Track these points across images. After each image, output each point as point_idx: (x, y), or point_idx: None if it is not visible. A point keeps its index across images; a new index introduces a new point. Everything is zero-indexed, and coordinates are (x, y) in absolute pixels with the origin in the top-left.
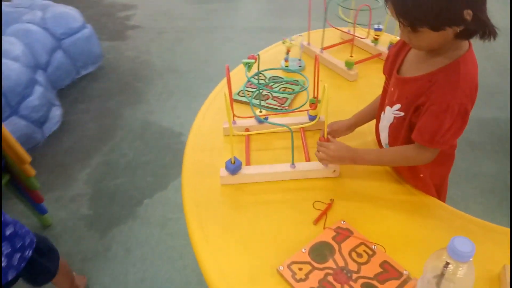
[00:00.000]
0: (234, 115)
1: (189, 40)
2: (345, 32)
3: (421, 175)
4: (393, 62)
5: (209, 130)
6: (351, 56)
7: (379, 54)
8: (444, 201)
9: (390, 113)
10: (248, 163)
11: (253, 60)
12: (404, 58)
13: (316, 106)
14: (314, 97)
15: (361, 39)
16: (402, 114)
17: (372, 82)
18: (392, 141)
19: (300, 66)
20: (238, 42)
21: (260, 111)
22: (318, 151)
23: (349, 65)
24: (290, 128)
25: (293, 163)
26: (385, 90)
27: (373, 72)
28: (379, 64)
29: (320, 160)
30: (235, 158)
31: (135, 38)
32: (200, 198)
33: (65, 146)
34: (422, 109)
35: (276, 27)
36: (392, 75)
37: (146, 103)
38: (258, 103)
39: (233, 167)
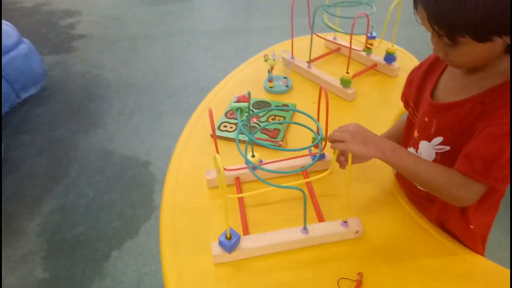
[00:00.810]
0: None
1: (145, 49)
2: (332, 42)
3: (471, 226)
4: (420, 87)
5: (190, 181)
6: (347, 73)
7: (374, 65)
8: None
9: (429, 149)
10: (245, 228)
11: (246, 104)
12: (438, 81)
13: (325, 146)
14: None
15: (352, 49)
16: (448, 148)
17: (372, 100)
18: None
19: (287, 86)
20: (200, 48)
21: (253, 156)
22: (333, 138)
23: (345, 83)
24: (303, 191)
25: (305, 228)
26: (410, 122)
27: (370, 87)
28: (376, 77)
29: (337, 145)
30: (231, 230)
31: (83, 50)
32: (187, 283)
33: (8, 190)
34: (474, 135)
35: (240, 28)
36: (422, 101)
37: (103, 127)
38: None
39: (230, 244)
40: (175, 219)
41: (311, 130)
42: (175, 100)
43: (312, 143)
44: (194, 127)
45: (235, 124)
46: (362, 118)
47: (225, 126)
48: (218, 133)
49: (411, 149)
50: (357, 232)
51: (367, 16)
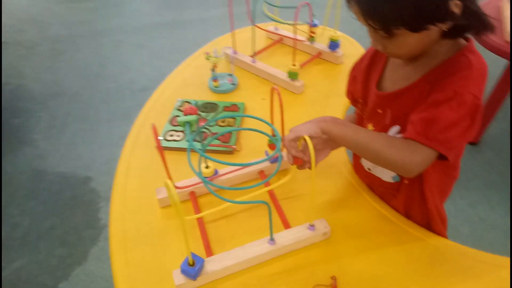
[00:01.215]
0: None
1: (71, 52)
2: (274, 33)
3: (429, 206)
4: (366, 81)
5: (139, 202)
6: (294, 65)
7: (319, 54)
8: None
9: None
10: (208, 249)
11: (195, 116)
12: (383, 73)
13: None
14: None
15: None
16: None
17: (321, 90)
18: None
19: (233, 84)
20: (133, 45)
21: (207, 167)
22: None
23: (293, 76)
24: (267, 204)
25: (272, 239)
26: (360, 118)
27: (317, 77)
28: (321, 66)
29: (288, 137)
30: (193, 254)
31: None
32: None
33: None
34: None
35: (173, 21)
36: (370, 95)
37: (31, 145)
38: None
39: (195, 271)
40: (127, 249)
41: (266, 134)
42: (111, 106)
43: (269, 145)
44: (137, 138)
45: (182, 132)
46: (313, 110)
47: (172, 135)
48: (164, 143)
49: None
50: (324, 233)
51: (308, 4)
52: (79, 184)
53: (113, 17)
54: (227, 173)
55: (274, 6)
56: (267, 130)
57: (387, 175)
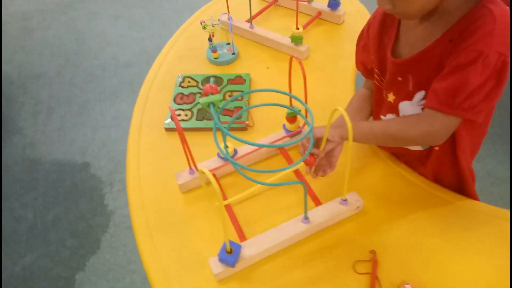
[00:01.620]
0: (193, 163)
1: (42, 29)
2: None
3: (466, 167)
4: (380, 49)
5: (157, 189)
6: (297, 29)
7: (319, 14)
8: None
9: (413, 108)
10: (240, 234)
11: (218, 96)
12: (397, 38)
13: (305, 119)
14: (293, 108)
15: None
16: None
17: (326, 54)
18: None
19: (233, 54)
20: (108, 17)
21: (226, 147)
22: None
23: (297, 40)
24: (304, 184)
25: (306, 217)
26: (378, 88)
27: (320, 39)
28: (322, 27)
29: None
30: (230, 242)
31: None
32: None
33: None
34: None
35: None
36: (388, 63)
37: (19, 133)
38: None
39: (234, 259)
40: (153, 238)
41: (291, 108)
42: (97, 85)
43: (287, 118)
44: (141, 121)
45: (190, 110)
46: (321, 76)
47: (179, 115)
48: (172, 125)
49: (390, 116)
50: (357, 207)
51: None
52: (77, 171)
53: None
54: (249, 153)
55: None
56: (283, 102)
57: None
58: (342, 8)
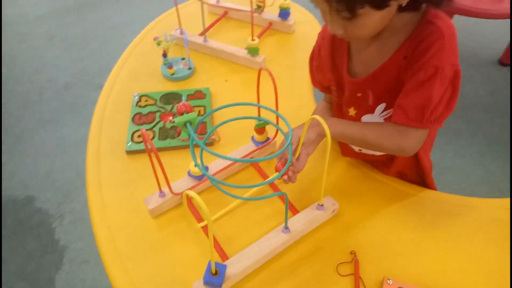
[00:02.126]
0: (168, 185)
1: None
2: (218, 6)
3: (425, 165)
4: (335, 69)
5: (126, 217)
6: (253, 40)
7: (270, 25)
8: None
9: (375, 120)
10: (221, 252)
11: (193, 114)
12: (349, 57)
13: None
14: (265, 119)
15: (239, 10)
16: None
17: (282, 63)
18: None
19: (190, 68)
20: (41, 37)
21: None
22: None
23: (253, 51)
24: (285, 194)
25: (286, 227)
26: (337, 104)
27: (274, 49)
28: (274, 37)
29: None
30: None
31: None
32: None
33: None
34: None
35: (82, 5)
36: (344, 82)
37: None
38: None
39: (221, 280)
40: (127, 270)
41: (268, 122)
42: (34, 111)
43: (256, 130)
44: (98, 146)
45: (151, 130)
46: (280, 86)
47: (140, 136)
48: (134, 147)
49: None
50: (333, 211)
51: None
52: (20, 207)
53: (7, 6)
54: (222, 169)
55: None
56: (249, 114)
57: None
58: (292, 18)
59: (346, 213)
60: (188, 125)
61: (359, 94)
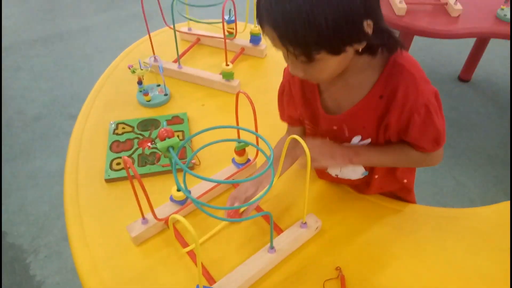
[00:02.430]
0: (152, 211)
1: None
2: (190, 33)
3: (405, 181)
4: (307, 105)
5: (108, 247)
6: (227, 65)
7: (242, 50)
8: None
9: None
10: (208, 276)
11: (175, 138)
12: (320, 94)
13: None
14: (245, 141)
15: (212, 37)
16: (369, 140)
17: (257, 86)
18: (372, 166)
19: (166, 95)
20: (8, 69)
21: (179, 190)
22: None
23: (228, 76)
24: (270, 214)
25: (272, 247)
26: (312, 134)
27: (247, 73)
28: (247, 62)
29: (302, 166)
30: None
31: None
32: None
33: None
34: (398, 125)
35: (49, 35)
36: (319, 116)
37: None
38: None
39: None
40: None
41: (244, 141)
42: (3, 144)
43: (236, 152)
44: (76, 176)
45: (130, 157)
46: (258, 108)
47: (119, 164)
48: (112, 174)
49: None
50: (317, 228)
51: (233, 2)
52: None
53: None
54: (205, 192)
55: (190, 5)
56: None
57: (356, 175)
58: (263, 43)
59: (329, 229)
60: (171, 149)
61: (334, 127)
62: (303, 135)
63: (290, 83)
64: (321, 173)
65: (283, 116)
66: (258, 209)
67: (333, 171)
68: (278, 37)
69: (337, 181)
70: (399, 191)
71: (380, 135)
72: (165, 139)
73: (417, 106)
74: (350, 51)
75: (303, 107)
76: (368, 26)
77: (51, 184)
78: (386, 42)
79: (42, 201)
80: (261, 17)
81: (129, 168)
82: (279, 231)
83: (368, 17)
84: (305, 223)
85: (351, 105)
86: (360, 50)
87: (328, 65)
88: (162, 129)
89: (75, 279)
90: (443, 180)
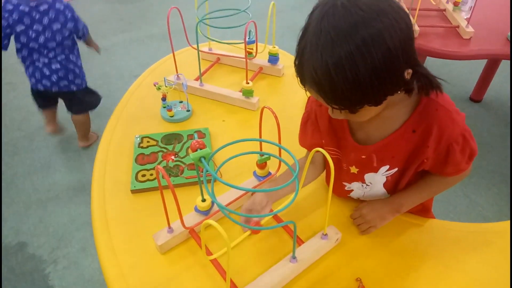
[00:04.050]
0: (181, 219)
1: None
2: (211, 53)
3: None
4: (334, 135)
5: (133, 254)
6: (247, 83)
7: (260, 69)
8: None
9: (378, 177)
10: (231, 283)
11: (207, 150)
12: (349, 125)
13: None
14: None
15: (233, 57)
16: (396, 169)
17: (276, 103)
18: (395, 191)
19: (188, 111)
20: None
21: (203, 200)
22: (358, 225)
23: (248, 93)
24: (294, 223)
25: (294, 257)
26: (336, 159)
27: (266, 91)
28: (265, 80)
29: (368, 233)
30: None
31: None
32: None
33: None
34: (436, 157)
35: None
36: (347, 146)
37: None
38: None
39: None
40: None
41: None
42: (24, 157)
43: (258, 164)
44: (103, 187)
45: (154, 169)
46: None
47: (144, 176)
48: (138, 186)
49: (354, 184)
50: (337, 240)
51: (254, 23)
52: (12, 254)
53: None
54: (230, 203)
55: (214, 27)
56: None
57: (379, 197)
58: (280, 63)
59: (349, 242)
60: (202, 159)
61: (363, 156)
62: (323, 161)
63: (316, 114)
64: (342, 195)
65: (304, 143)
66: (279, 220)
67: (356, 196)
68: (323, 98)
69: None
70: (418, 212)
71: (410, 165)
72: (196, 150)
73: (454, 137)
74: (388, 97)
75: (329, 136)
76: (408, 74)
77: (70, 196)
78: (424, 86)
79: (62, 213)
80: (303, 78)
81: (160, 177)
82: (300, 242)
83: (408, 66)
84: (326, 234)
85: (382, 137)
86: (398, 93)
87: (370, 111)
88: (194, 141)
89: None
90: (456, 198)
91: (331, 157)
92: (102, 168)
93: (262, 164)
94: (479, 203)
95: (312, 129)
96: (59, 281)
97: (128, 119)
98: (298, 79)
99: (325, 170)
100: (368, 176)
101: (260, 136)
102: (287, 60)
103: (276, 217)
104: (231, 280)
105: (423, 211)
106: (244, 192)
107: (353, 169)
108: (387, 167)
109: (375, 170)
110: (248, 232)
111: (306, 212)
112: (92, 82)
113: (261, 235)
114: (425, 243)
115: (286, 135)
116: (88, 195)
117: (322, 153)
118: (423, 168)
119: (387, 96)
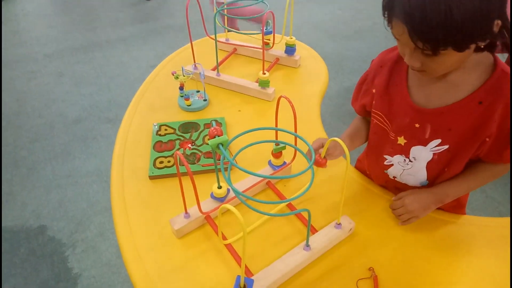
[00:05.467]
0: (198, 205)
1: None
2: (229, 43)
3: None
4: (388, 95)
5: (152, 238)
6: (264, 73)
7: (277, 60)
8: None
9: (425, 152)
10: (247, 269)
11: (225, 137)
12: (407, 84)
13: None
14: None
15: (250, 47)
16: (447, 146)
17: (291, 94)
18: (434, 178)
19: (205, 100)
20: (49, 75)
21: (219, 187)
22: (399, 215)
23: (264, 84)
24: (308, 211)
25: (307, 245)
26: (381, 129)
27: (282, 82)
28: (282, 71)
29: (406, 223)
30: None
31: None
32: None
33: None
34: (496, 138)
35: (90, 44)
36: (401, 109)
37: None
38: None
39: None
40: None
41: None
42: (45, 144)
43: (274, 153)
44: (122, 173)
45: (172, 156)
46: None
47: (161, 162)
48: (156, 172)
49: (396, 157)
50: (350, 229)
51: (272, 14)
52: (33, 236)
53: (15, 46)
54: (245, 190)
55: (233, 17)
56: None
57: (416, 181)
58: (297, 54)
59: (362, 232)
60: (220, 146)
61: (417, 125)
62: (367, 127)
63: (375, 74)
64: (377, 174)
65: (355, 103)
66: (292, 208)
67: (393, 173)
68: (409, 31)
69: (392, 185)
70: (451, 208)
71: (461, 143)
72: (214, 137)
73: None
74: (472, 47)
75: (381, 98)
76: (496, 25)
77: (89, 183)
78: (507, 41)
79: (81, 198)
80: (392, 10)
81: (179, 163)
82: (314, 230)
83: (499, 17)
84: (340, 224)
85: (443, 104)
86: (482, 46)
87: (450, 59)
88: (212, 128)
89: (109, 273)
90: (472, 193)
91: (375, 127)
92: (121, 155)
93: (277, 154)
94: (495, 199)
95: (365, 89)
96: (77, 263)
97: (146, 108)
98: (386, 14)
99: (367, 142)
100: (414, 150)
101: (276, 125)
102: (304, 52)
103: (289, 205)
104: (245, 265)
105: (458, 207)
106: (259, 179)
107: (401, 140)
108: (439, 141)
109: (425, 143)
110: (264, 218)
111: (321, 201)
112: (110, 71)
113: (274, 224)
114: (438, 236)
115: (302, 126)
116: (105, 181)
117: (367, 120)
118: (482, 150)
119: (472, 43)
